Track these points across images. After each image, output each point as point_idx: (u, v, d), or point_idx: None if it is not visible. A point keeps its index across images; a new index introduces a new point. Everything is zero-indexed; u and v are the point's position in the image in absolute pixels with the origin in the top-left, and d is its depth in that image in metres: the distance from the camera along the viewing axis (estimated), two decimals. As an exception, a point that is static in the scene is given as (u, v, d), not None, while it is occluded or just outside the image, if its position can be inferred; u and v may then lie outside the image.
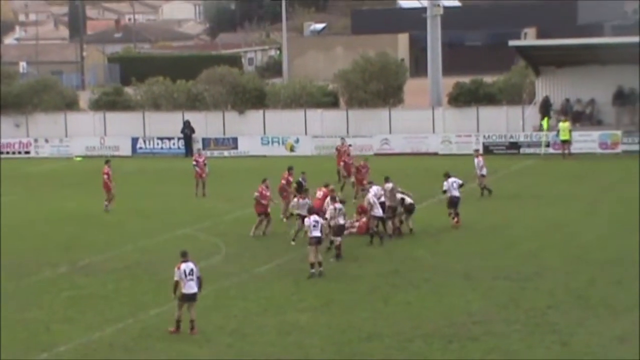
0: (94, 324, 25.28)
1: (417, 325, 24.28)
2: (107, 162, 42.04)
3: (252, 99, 61.51)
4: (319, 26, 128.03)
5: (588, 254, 30.79)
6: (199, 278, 24.58)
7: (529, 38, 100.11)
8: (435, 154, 54.05)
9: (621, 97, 54.18)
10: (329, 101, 61.63)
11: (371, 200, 32.77)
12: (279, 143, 57.19)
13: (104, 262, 31.88)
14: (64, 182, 50.32)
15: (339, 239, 31.10)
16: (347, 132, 57.44)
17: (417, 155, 53.66)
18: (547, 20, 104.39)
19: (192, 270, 24.47)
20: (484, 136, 54.51)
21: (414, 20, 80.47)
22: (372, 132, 56.66)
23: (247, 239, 34.71)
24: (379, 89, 59.77)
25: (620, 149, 52.40)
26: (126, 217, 39.53)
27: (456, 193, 35.06)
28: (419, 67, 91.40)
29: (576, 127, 54.19)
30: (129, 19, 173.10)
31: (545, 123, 52.73)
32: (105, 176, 40.89)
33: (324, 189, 34.97)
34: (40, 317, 26.08)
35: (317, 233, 29.28)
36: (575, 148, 52.60)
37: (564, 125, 51.45)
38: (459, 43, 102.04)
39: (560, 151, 51.93)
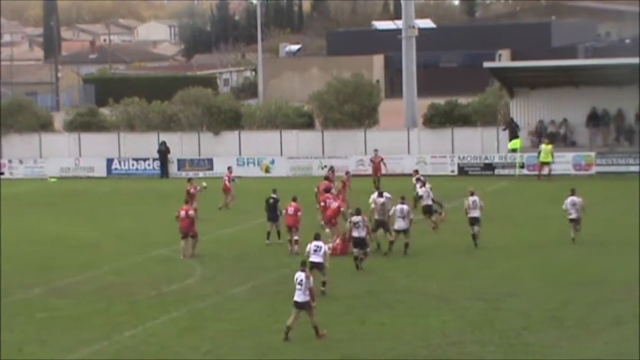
0: (69, 346, 25.10)
1: (392, 346, 24.26)
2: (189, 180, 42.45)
3: (227, 119, 61.52)
4: (295, 47, 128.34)
5: (563, 275, 30.88)
6: (310, 289, 24.95)
7: (503, 60, 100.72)
8: (411, 175, 54.04)
9: (595, 119, 54.54)
10: (305, 122, 61.72)
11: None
12: (254, 164, 57.20)
13: (79, 283, 31.71)
14: (39, 203, 50.09)
15: (356, 250, 31.89)
16: (323, 153, 57.60)
17: (393, 177, 53.72)
18: (521, 42, 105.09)
19: (301, 280, 24.99)
20: (459, 157, 54.71)
21: (389, 41, 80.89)
22: (348, 153, 56.76)
23: (223, 260, 34.64)
24: (353, 110, 59.92)
25: (594, 170, 52.69)
26: (101, 239, 39.37)
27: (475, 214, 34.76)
28: (394, 88, 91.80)
29: (550, 148, 54.55)
30: (104, 40, 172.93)
31: (516, 144, 52.94)
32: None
33: (293, 204, 35.01)
34: (13, 340, 25.87)
35: (317, 259, 28.45)
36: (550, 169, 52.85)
37: (547, 147, 51.50)
38: (433, 64, 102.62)
39: (535, 172, 52.15)
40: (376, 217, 34.24)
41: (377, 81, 77.56)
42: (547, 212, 41.49)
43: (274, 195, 36.93)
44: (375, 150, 51.27)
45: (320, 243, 28.75)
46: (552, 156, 51.48)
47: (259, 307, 28.25)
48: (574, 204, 34.87)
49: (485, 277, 30.93)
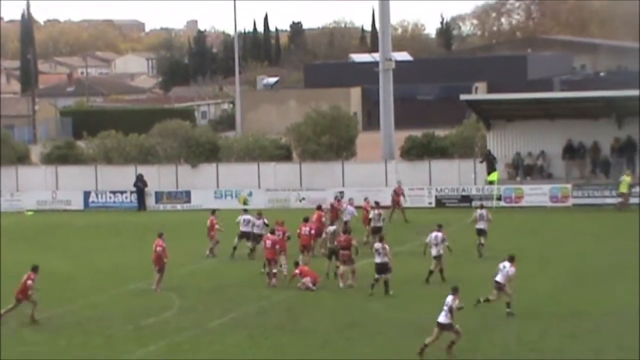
0: (45, 381, 24.91)
1: (371, 379, 24.19)
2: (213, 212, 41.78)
3: (205, 152, 61.52)
4: (272, 80, 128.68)
5: (541, 306, 30.93)
6: (451, 309, 25.82)
7: (480, 92, 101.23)
8: (388, 207, 54.15)
9: (570, 151, 54.84)
10: (282, 154, 61.78)
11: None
12: (232, 196, 57.11)
13: (55, 317, 31.50)
14: (15, 236, 49.77)
15: (383, 275, 32.67)
16: (301, 185, 57.62)
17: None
18: (497, 75, 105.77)
19: (447, 302, 25.98)
20: (436, 189, 54.83)
21: (367, 74, 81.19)
22: (326, 185, 56.78)
23: (201, 292, 34.52)
24: (331, 142, 60.06)
25: (570, 202, 52.90)
26: (78, 272, 39.15)
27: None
28: (371, 120, 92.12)
29: (527, 180, 54.79)
30: (82, 73, 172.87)
31: (493, 176, 53.17)
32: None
33: (271, 237, 35.32)
34: (-11, 374, 25.67)
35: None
36: (526, 201, 53.12)
37: (627, 179, 50.81)
38: (411, 97, 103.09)
39: (511, 204, 52.36)
40: (329, 245, 35.79)
41: (355, 113, 77.81)
42: (524, 243, 41.59)
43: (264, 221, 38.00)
44: (399, 182, 51.50)
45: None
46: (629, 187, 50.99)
47: (238, 340, 28.14)
48: (437, 241, 34.70)
49: (464, 309, 30.88)
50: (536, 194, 53.28)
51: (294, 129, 61.92)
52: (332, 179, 57.33)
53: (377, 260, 32.97)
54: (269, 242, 35.02)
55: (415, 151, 58.71)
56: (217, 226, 41.04)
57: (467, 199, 54.25)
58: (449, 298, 26.22)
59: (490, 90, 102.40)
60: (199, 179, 59.38)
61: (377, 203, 43.82)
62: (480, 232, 38.86)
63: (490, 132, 57.05)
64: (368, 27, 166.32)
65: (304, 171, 58.34)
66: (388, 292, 32.95)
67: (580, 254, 39.17)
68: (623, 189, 50.32)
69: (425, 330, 28.35)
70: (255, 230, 39.84)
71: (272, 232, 35.80)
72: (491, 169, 54.12)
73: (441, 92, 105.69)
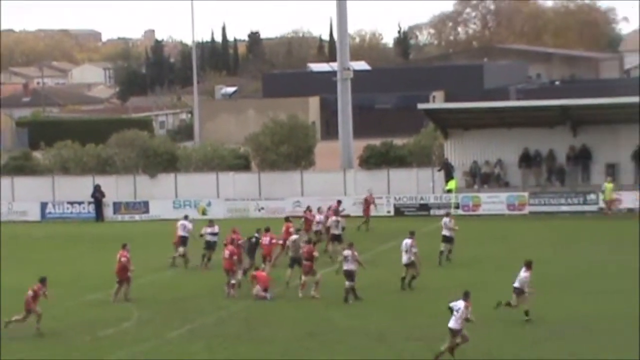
0: (3, 393, 24.74)
1: (331, 388, 24.26)
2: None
3: (163, 162, 61.39)
4: (231, 89, 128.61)
5: (498, 314, 31.12)
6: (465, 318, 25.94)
7: (437, 101, 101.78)
8: (348, 216, 54.28)
9: (527, 159, 55.30)
10: (241, 164, 61.79)
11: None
12: (190, 206, 56.96)
13: (12, 330, 31.26)
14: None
15: (347, 283, 32.83)
16: (259, 194, 57.62)
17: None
18: (454, 84, 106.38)
19: (459, 309, 26.04)
20: (395, 198, 55.05)
21: (325, 83, 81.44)
22: (284, 194, 56.84)
23: (160, 303, 34.43)
24: (289, 151, 60.15)
25: (527, 210, 53.32)
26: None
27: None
28: (329, 129, 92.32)
29: (484, 188, 55.19)
30: (38, 83, 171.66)
31: (451, 185, 53.49)
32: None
33: (230, 247, 35.47)
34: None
35: None
36: (483, 209, 53.48)
37: (609, 185, 50.84)
38: (369, 106, 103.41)
39: (469, 213, 52.66)
40: (291, 254, 35.79)
41: (313, 123, 78.00)
42: (481, 251, 41.88)
43: (256, 235, 37.69)
44: (369, 191, 51.44)
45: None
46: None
47: (197, 350, 28.11)
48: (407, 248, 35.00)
49: (423, 317, 31.09)
50: (493, 202, 53.66)
51: (253, 139, 61.96)
52: (290, 188, 57.40)
53: (346, 267, 33.19)
54: (226, 253, 35.10)
55: (373, 160, 58.92)
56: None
57: (425, 207, 54.52)
58: (460, 304, 26.24)
59: (447, 99, 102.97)
60: (157, 189, 59.20)
61: (336, 210, 43.75)
62: (445, 239, 39.41)
63: (447, 141, 57.39)
64: (326, 37, 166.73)
65: (263, 181, 58.36)
66: (348, 300, 33.03)
67: (537, 262, 39.40)
68: (607, 196, 50.43)
69: (383, 339, 28.48)
70: (211, 239, 40.01)
71: (232, 243, 36.03)
72: (449, 177, 54.44)
73: (399, 101, 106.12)
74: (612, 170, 53.74)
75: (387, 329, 29.65)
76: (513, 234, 47.36)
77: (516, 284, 30.25)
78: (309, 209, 45.28)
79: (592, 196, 52.34)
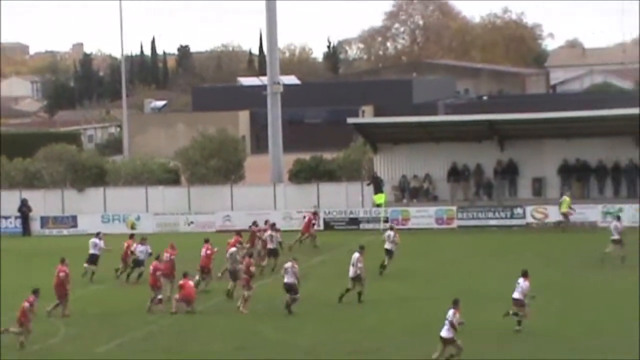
0: None
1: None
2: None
3: (92, 176, 60.90)
4: (160, 103, 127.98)
5: (428, 328, 31.34)
6: (452, 324, 26.24)
7: (367, 116, 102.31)
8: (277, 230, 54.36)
9: (455, 174, 55.86)
10: (171, 178, 61.53)
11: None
12: (119, 220, 56.60)
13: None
14: None
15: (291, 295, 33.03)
16: (189, 209, 57.43)
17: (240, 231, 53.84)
18: (383, 99, 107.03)
19: (448, 316, 26.34)
20: (325, 212, 55.19)
21: (255, 97, 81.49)
22: (214, 208, 56.73)
23: (88, 318, 34.16)
24: (219, 165, 60.07)
25: (455, 224, 53.83)
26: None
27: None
28: (259, 143, 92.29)
29: (413, 203, 55.62)
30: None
31: (380, 199, 53.81)
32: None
33: (154, 263, 35.60)
34: None
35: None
36: (412, 223, 53.87)
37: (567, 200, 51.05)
38: (299, 120, 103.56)
39: (398, 227, 52.94)
40: (228, 267, 36.48)
41: (243, 137, 78.00)
42: (410, 265, 42.19)
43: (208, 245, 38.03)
44: (315, 207, 51.08)
45: None
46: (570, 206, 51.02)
47: (126, 366, 27.95)
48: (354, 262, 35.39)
49: (353, 331, 31.25)
50: (422, 216, 54.08)
51: (182, 153, 61.75)
52: (220, 202, 57.31)
53: (286, 280, 33.41)
54: (151, 268, 35.27)
55: (303, 174, 59.07)
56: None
57: (355, 221, 54.77)
58: (450, 312, 26.40)
59: (376, 113, 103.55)
60: (86, 203, 58.71)
61: (273, 225, 43.76)
62: (387, 252, 40.14)
63: (377, 155, 57.77)
64: (256, 51, 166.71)
65: (193, 195, 58.17)
66: (291, 311, 33.22)
67: (465, 276, 39.89)
68: (564, 208, 50.83)
69: (314, 353, 28.56)
70: (140, 257, 39.89)
71: (157, 259, 36.07)
72: (378, 191, 54.77)
73: (329, 115, 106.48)
74: (538, 185, 54.53)
75: (317, 343, 29.75)
76: (442, 248, 47.77)
77: (516, 295, 30.43)
78: (255, 223, 45.04)
79: (519, 210, 53.04)
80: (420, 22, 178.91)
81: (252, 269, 34.50)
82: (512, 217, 53.06)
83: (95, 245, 41.50)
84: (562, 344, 28.98)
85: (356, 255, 35.25)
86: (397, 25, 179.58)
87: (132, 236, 42.31)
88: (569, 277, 38.49)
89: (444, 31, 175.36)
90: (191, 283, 34.73)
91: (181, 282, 34.75)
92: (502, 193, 55.08)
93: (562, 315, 32.16)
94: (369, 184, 56.02)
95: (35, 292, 30.93)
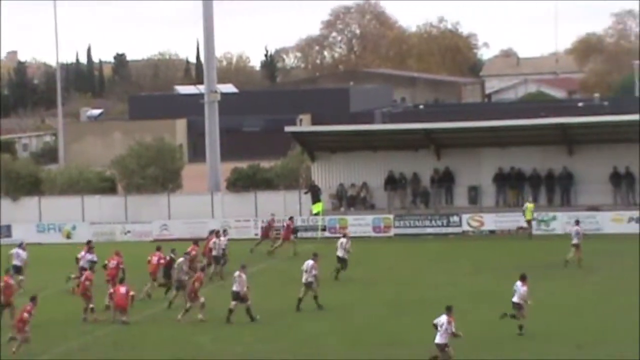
0: None
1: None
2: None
3: (26, 185, 60.30)
4: (96, 112, 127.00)
5: (363, 335, 31.54)
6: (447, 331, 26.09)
7: (304, 124, 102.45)
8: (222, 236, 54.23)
9: (392, 182, 56.20)
10: (107, 187, 61.16)
11: None
12: (55, 230, 56.12)
13: None
14: None
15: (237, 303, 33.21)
16: (126, 218, 57.10)
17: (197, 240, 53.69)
18: (321, 107, 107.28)
19: (443, 324, 26.15)
20: (262, 221, 55.12)
21: (192, 106, 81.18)
22: (151, 217, 56.46)
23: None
24: (156, 174, 59.83)
25: (392, 232, 54.13)
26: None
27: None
28: (197, 152, 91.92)
29: (351, 211, 55.85)
30: None
31: (318, 207, 53.95)
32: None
33: (86, 273, 35.44)
34: None
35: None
36: (350, 231, 53.99)
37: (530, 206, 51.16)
38: (236, 129, 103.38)
39: (335, 235, 53.11)
40: (175, 277, 36.33)
41: (180, 145, 77.72)
42: (347, 273, 42.29)
43: (172, 254, 37.90)
44: (291, 217, 50.53)
45: None
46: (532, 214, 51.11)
47: (62, 376, 27.72)
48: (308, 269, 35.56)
49: (289, 340, 31.30)
50: (359, 224, 54.30)
51: (119, 161, 61.41)
52: (158, 211, 57.05)
53: (234, 288, 33.50)
54: (82, 278, 35.14)
55: (241, 183, 59.04)
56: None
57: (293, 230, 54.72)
58: (443, 318, 26.40)
59: (314, 122, 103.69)
60: (21, 212, 58.09)
61: (224, 231, 44.19)
62: (338, 260, 40.84)
63: (314, 164, 57.94)
64: (193, 59, 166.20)
65: (129, 204, 57.85)
66: (254, 318, 33.32)
67: (402, 284, 40.14)
68: (528, 216, 50.91)
69: (251, 361, 28.53)
70: (84, 264, 39.53)
71: (104, 267, 35.99)
72: (316, 200, 54.92)
73: (266, 123, 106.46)
74: (474, 193, 55.07)
75: (254, 352, 29.75)
76: (379, 256, 47.99)
77: (515, 299, 30.57)
78: (213, 232, 44.94)
79: (455, 218, 53.50)
80: (357, 31, 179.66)
81: (197, 284, 34.19)
82: (448, 225, 53.50)
83: (18, 255, 40.65)
84: (490, 349, 29.29)
85: (310, 262, 35.39)
86: (334, 34, 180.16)
87: (89, 242, 41.63)
88: (503, 284, 38.87)
89: (380, 40, 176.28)
90: (123, 290, 34.27)
91: (111, 290, 34.52)
92: (439, 201, 55.54)
93: (490, 322, 32.49)
94: (306, 193, 56.16)
95: (33, 299, 30.80)
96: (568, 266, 41.04)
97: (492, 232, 52.80)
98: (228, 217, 55.82)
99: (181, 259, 37.06)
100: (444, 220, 53.69)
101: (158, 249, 38.64)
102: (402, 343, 30.32)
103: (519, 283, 30.65)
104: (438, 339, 26.39)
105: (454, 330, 26.40)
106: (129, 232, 55.64)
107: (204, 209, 56.73)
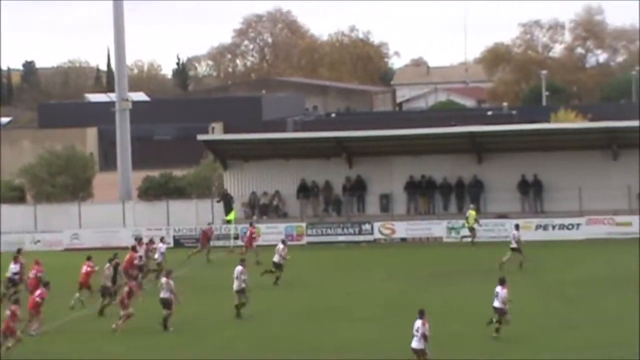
0: None
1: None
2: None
3: None
4: (4, 120, 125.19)
5: (276, 343, 31.64)
6: (423, 335, 25.87)
7: (217, 132, 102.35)
8: (126, 247, 53.79)
9: (305, 190, 56.46)
10: (16, 196, 60.39)
11: None
12: (-38, 240, 55.15)
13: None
14: None
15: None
16: (35, 227, 56.39)
17: (108, 249, 53.31)
18: (233, 116, 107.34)
19: (418, 328, 25.96)
20: (175, 229, 55.02)
21: (103, 114, 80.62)
22: (62, 226, 55.87)
23: None
24: (67, 183, 59.27)
25: (305, 240, 54.36)
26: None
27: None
28: (108, 161, 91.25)
29: (263, 219, 55.95)
30: None
31: (231, 216, 53.96)
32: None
33: (35, 267, 35.74)
34: None
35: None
36: (263, 240, 54.10)
37: (472, 213, 51.16)
38: (148, 137, 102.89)
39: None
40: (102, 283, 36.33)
41: (91, 154, 76.98)
42: (260, 281, 42.36)
43: (117, 260, 37.89)
44: (251, 223, 50.49)
45: None
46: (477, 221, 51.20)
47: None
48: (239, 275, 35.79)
49: (201, 349, 31.27)
50: (272, 232, 54.38)
51: (28, 170, 60.71)
52: (68, 220, 56.46)
53: (161, 295, 33.46)
54: (32, 272, 35.03)
55: (153, 191, 58.81)
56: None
57: (205, 238, 54.65)
58: (418, 323, 26.22)
59: (226, 130, 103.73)
60: None
61: (162, 239, 44.54)
62: (274, 265, 41.47)
63: (227, 172, 57.94)
64: (104, 67, 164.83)
65: (39, 213, 57.15)
66: (167, 328, 33.11)
67: (315, 292, 40.35)
68: (470, 222, 51.10)
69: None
70: (12, 277, 38.86)
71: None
72: (228, 208, 54.92)
73: (178, 132, 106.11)
74: (386, 201, 55.60)
75: (168, 360, 29.68)
76: (291, 264, 48.03)
77: (496, 304, 30.59)
78: (151, 240, 44.79)
79: (367, 226, 53.93)
80: (269, 40, 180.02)
81: (130, 292, 33.88)
82: (360, 233, 53.92)
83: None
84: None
85: (239, 268, 35.44)
86: (246, 42, 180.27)
87: (19, 251, 40.99)
88: (413, 292, 39.37)
89: (292, 49, 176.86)
90: (37, 298, 33.72)
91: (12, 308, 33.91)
92: (351, 209, 55.96)
93: (403, 328, 32.87)
94: (219, 201, 56.13)
95: (16, 301, 30.65)
96: (503, 268, 41.83)
97: (403, 239, 53.36)
98: (140, 226, 55.50)
99: (106, 265, 36.88)
100: (356, 229, 54.09)
101: (88, 258, 38.16)
102: (317, 350, 30.51)
103: (499, 287, 30.75)
104: (414, 344, 26.27)
105: (425, 332, 26.15)
106: (38, 241, 54.97)
107: (116, 218, 56.32)
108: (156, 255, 43.04)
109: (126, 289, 33.75)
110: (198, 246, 50.06)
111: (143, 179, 60.02)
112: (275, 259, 41.63)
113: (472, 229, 51.00)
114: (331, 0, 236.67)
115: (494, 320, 30.60)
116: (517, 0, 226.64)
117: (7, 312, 29.93)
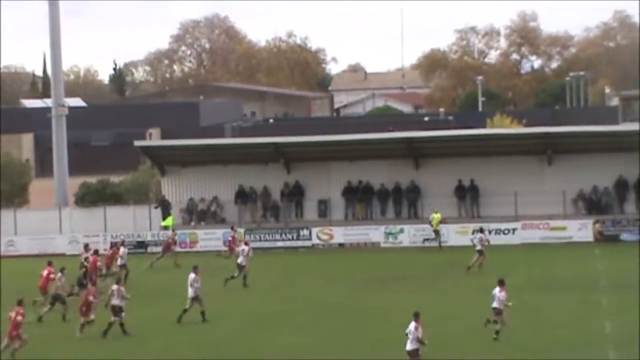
0: None
1: None
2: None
3: None
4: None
5: (221, 349, 31.62)
6: (417, 338, 26.01)
7: (154, 138, 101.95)
8: (63, 254, 53.52)
9: (243, 196, 56.46)
10: (-50, 203, 59.62)
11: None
12: None
13: None
14: None
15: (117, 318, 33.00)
16: (-30, 234, 55.75)
17: (45, 256, 52.83)
18: (170, 121, 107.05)
19: (411, 330, 26.09)
20: (112, 236, 54.59)
21: (39, 120, 79.95)
22: (-3, 233, 55.29)
23: None
24: (3, 189, 58.70)
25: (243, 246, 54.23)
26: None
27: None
28: (44, 167, 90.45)
29: (201, 225, 55.86)
30: None
31: (168, 222, 53.77)
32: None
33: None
34: None
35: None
36: (201, 246, 54.11)
37: (437, 216, 51.18)
38: (85, 143, 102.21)
39: (186, 249, 53.06)
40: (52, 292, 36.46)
41: (27, 160, 76.35)
42: (202, 288, 42.30)
43: (85, 264, 38.56)
44: (232, 227, 50.76)
45: None
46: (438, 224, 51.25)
47: None
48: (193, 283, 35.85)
49: (142, 354, 31.19)
50: (210, 238, 54.35)
51: (-38, 177, 60.01)
52: (4, 227, 55.80)
53: (112, 302, 33.39)
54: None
55: (90, 197, 58.43)
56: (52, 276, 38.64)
57: (142, 244, 54.49)
58: (412, 325, 26.28)
59: (164, 136, 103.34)
60: None
61: (123, 242, 44.80)
62: (237, 266, 42.02)
63: (164, 178, 57.76)
64: (39, 72, 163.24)
65: (-26, 220, 56.47)
66: (126, 332, 33.10)
67: (255, 298, 40.36)
68: (435, 225, 51.16)
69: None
70: None
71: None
72: (166, 214, 54.76)
73: (115, 138, 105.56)
74: (324, 206, 55.79)
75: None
76: (229, 270, 47.99)
77: (495, 305, 30.69)
78: (117, 245, 44.60)
79: (305, 231, 54.09)
80: (207, 46, 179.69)
81: (90, 297, 33.63)
82: (298, 238, 54.06)
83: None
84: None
85: (192, 275, 35.35)
86: (183, 48, 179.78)
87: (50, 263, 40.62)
88: (352, 297, 39.59)
89: (230, 55, 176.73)
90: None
91: None
92: (289, 215, 56.06)
93: (343, 333, 33.03)
94: (156, 207, 55.93)
95: (20, 302, 30.54)
96: (470, 271, 42.28)
97: (341, 245, 53.60)
98: (77, 233, 55.10)
99: (59, 274, 36.59)
100: (294, 234, 54.23)
101: (49, 263, 37.88)
102: (259, 355, 30.57)
103: (497, 289, 30.96)
104: (408, 346, 26.42)
105: (419, 335, 26.32)
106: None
107: (52, 225, 55.83)
108: (119, 262, 42.92)
109: (86, 295, 33.68)
110: (160, 253, 49.83)
111: (80, 185, 59.59)
112: (240, 260, 41.97)
113: (437, 232, 51.24)
114: (268, 0, 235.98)
115: (491, 320, 30.92)
116: (454, 3, 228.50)
117: None
